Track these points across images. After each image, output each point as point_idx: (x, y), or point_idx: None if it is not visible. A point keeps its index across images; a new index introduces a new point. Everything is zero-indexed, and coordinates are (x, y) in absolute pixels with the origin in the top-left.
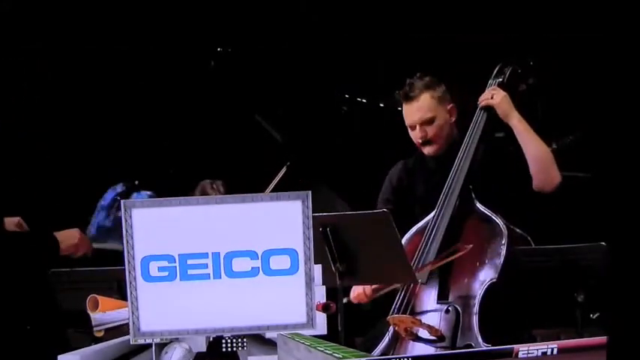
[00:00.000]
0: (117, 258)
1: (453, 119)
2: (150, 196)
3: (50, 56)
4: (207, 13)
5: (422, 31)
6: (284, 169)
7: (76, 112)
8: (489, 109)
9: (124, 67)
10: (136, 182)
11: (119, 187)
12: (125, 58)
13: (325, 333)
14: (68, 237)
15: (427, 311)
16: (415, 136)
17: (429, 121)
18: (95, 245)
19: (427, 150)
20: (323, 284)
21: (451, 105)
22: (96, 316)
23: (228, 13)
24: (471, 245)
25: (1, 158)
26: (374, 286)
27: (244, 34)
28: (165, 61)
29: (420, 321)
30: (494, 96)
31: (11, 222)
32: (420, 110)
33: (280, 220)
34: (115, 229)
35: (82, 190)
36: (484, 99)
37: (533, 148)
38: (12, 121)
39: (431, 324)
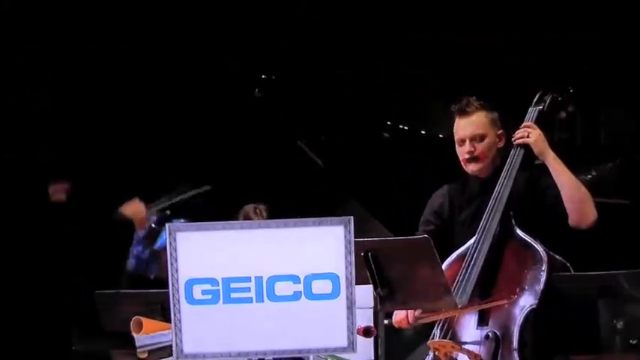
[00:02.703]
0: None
1: (501, 145)
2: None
3: (50, 56)
4: (208, 12)
5: (422, 31)
6: None
7: (76, 114)
8: (525, 146)
9: (128, 72)
10: (168, 212)
11: (152, 218)
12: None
13: (372, 359)
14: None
15: (467, 336)
16: (463, 151)
17: (480, 138)
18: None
19: (472, 167)
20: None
21: (501, 131)
22: (140, 338)
23: (228, 12)
24: (515, 296)
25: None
26: (417, 314)
27: (244, 34)
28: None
29: (460, 346)
30: (530, 134)
31: None
32: (472, 125)
33: (322, 245)
34: (151, 261)
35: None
36: (520, 137)
37: (569, 187)
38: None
39: (471, 349)
